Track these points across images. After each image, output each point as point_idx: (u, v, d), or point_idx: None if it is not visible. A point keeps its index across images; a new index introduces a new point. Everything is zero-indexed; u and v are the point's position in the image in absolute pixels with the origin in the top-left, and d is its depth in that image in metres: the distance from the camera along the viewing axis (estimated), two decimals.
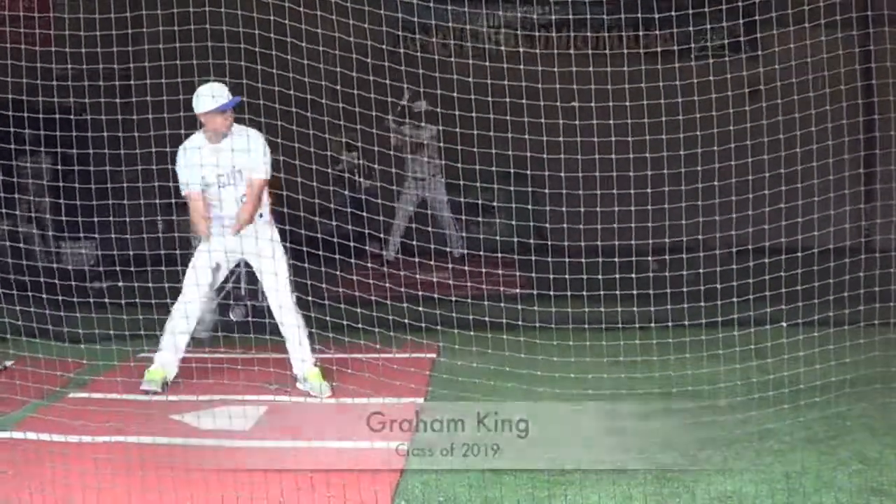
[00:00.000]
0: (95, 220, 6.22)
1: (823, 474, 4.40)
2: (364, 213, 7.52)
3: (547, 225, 7.07)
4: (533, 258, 6.04)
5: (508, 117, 5.62)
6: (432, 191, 10.99)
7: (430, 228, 7.78)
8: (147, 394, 5.91)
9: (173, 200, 6.21)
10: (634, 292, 5.55)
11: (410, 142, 10.69)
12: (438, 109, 6.01)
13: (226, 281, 6.60)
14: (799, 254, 5.45)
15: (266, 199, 6.08)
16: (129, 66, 6.31)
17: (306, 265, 5.91)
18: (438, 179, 10.92)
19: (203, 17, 5.63)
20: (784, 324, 5.33)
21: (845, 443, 4.81)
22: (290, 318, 5.94)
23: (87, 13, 5.97)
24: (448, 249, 10.48)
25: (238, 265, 6.65)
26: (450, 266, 6.94)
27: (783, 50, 6.02)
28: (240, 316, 7.62)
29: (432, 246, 6.49)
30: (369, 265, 6.58)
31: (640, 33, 11.16)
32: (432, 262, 6.97)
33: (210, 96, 5.70)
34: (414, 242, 7.16)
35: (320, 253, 5.74)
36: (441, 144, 10.06)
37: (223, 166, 5.88)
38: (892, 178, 5.78)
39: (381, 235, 10.39)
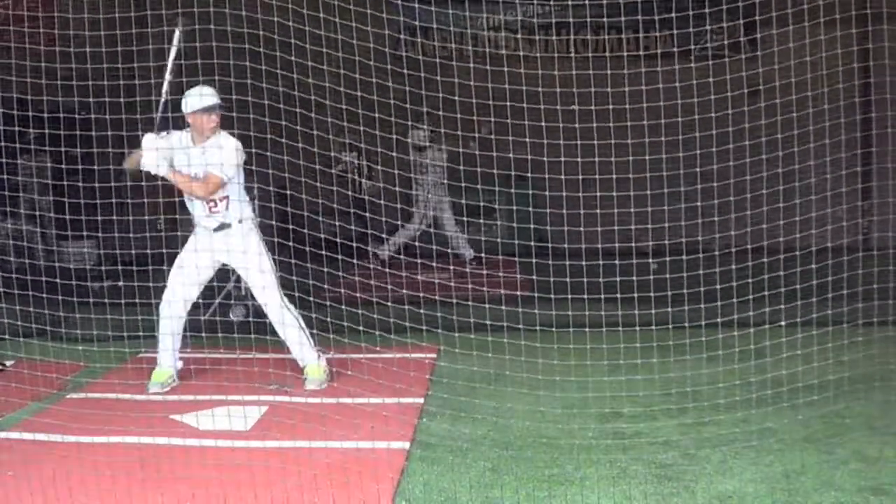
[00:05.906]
0: (98, 218, 6.24)
1: (823, 473, 4.40)
2: (367, 214, 7.52)
3: (548, 228, 7.06)
4: (533, 260, 6.04)
5: (509, 120, 5.62)
6: (436, 209, 10.95)
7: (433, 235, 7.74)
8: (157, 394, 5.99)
9: (175, 199, 6.22)
10: (635, 295, 5.55)
11: (423, 163, 10.64)
12: (440, 112, 6.01)
13: (226, 280, 6.61)
14: (797, 252, 5.45)
15: (246, 206, 6.09)
16: (132, 66, 6.35)
17: (309, 265, 5.91)
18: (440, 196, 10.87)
19: (207, 18, 5.64)
20: (782, 323, 5.33)
21: (845, 442, 4.80)
22: (276, 315, 5.97)
23: (90, 13, 5.99)
24: (462, 253, 10.52)
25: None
26: (451, 268, 6.94)
27: (782, 49, 6.02)
28: (240, 316, 7.63)
29: (434, 247, 6.49)
30: (371, 266, 6.58)
31: (640, 35, 11.18)
32: (434, 264, 6.98)
33: (198, 96, 5.82)
34: (416, 244, 7.16)
35: (323, 253, 5.75)
36: (444, 153, 10.06)
37: (196, 167, 5.91)
38: (889, 175, 5.77)
39: (384, 236, 10.40)
